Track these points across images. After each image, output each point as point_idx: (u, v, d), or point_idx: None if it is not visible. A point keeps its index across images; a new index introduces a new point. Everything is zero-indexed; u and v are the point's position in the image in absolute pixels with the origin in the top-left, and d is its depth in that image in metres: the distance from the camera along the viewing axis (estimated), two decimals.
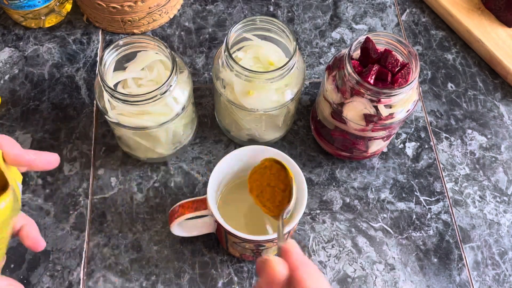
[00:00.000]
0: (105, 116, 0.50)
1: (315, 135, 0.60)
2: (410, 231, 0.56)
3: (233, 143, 0.60)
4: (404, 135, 0.62)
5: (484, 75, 0.67)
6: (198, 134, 0.61)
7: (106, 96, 0.49)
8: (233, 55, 0.51)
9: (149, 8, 0.64)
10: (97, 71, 0.47)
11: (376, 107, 0.49)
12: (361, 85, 0.48)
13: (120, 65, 0.51)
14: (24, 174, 0.57)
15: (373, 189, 0.58)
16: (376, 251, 0.55)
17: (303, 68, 0.53)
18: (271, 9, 0.71)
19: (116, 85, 0.51)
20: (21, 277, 0.52)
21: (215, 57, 0.53)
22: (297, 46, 0.49)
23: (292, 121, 0.61)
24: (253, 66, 0.52)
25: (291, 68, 0.49)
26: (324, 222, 0.56)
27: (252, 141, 0.59)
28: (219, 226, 0.46)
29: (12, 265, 0.52)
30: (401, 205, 0.58)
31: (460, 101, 0.65)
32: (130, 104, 0.47)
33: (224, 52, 0.49)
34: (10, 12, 0.65)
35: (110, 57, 0.49)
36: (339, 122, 0.53)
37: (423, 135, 0.62)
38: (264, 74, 0.48)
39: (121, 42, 0.49)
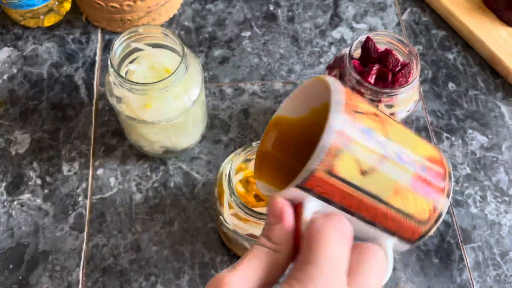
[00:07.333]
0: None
1: None
2: None
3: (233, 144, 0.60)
4: None
5: (485, 75, 0.67)
6: None
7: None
8: (126, 69, 0.50)
9: (148, 7, 0.64)
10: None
11: (376, 107, 0.49)
12: (362, 85, 0.47)
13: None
14: (23, 174, 0.57)
15: None
16: None
17: (200, 69, 0.51)
18: (271, 8, 0.71)
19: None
20: (20, 277, 0.52)
21: (107, 74, 0.50)
22: (184, 48, 0.47)
23: (205, 122, 0.59)
24: (149, 77, 0.50)
25: (185, 72, 0.47)
26: None
27: (168, 152, 0.57)
28: None
29: (10, 266, 0.52)
30: None
31: (461, 101, 0.65)
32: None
33: (111, 69, 0.46)
34: (8, 11, 0.65)
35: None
36: None
37: (424, 135, 0.62)
38: (157, 84, 0.45)
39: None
